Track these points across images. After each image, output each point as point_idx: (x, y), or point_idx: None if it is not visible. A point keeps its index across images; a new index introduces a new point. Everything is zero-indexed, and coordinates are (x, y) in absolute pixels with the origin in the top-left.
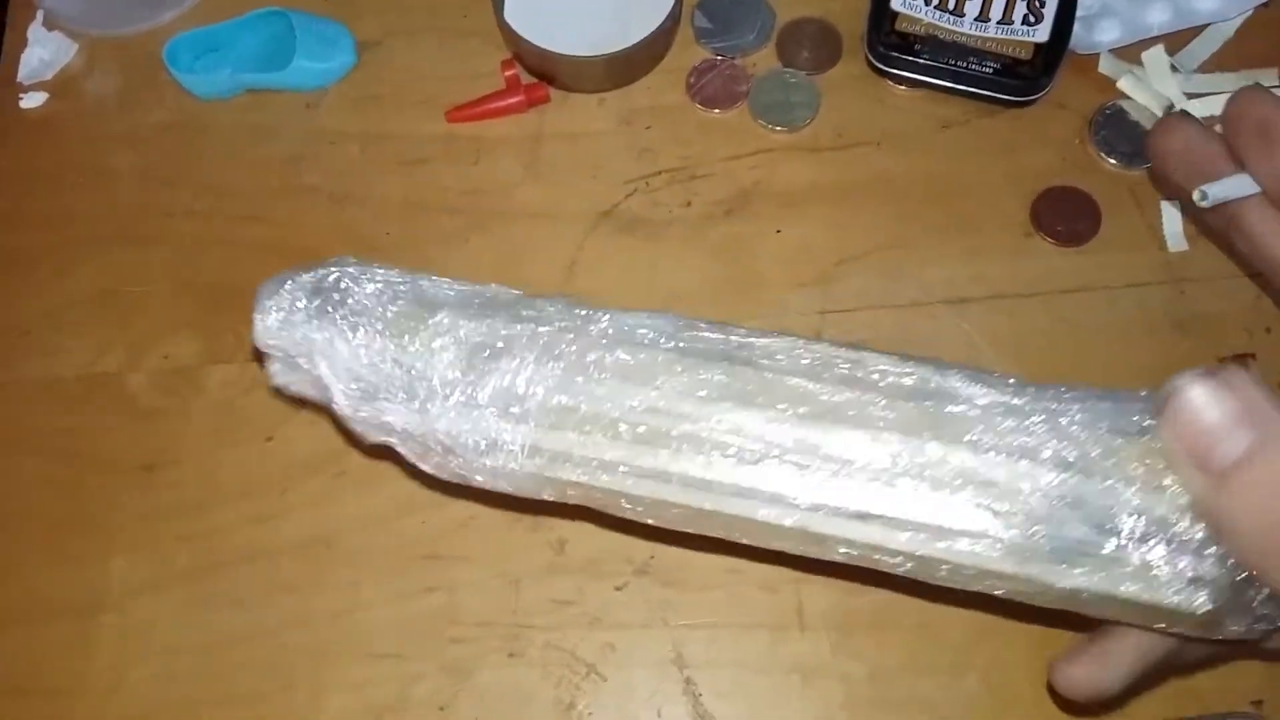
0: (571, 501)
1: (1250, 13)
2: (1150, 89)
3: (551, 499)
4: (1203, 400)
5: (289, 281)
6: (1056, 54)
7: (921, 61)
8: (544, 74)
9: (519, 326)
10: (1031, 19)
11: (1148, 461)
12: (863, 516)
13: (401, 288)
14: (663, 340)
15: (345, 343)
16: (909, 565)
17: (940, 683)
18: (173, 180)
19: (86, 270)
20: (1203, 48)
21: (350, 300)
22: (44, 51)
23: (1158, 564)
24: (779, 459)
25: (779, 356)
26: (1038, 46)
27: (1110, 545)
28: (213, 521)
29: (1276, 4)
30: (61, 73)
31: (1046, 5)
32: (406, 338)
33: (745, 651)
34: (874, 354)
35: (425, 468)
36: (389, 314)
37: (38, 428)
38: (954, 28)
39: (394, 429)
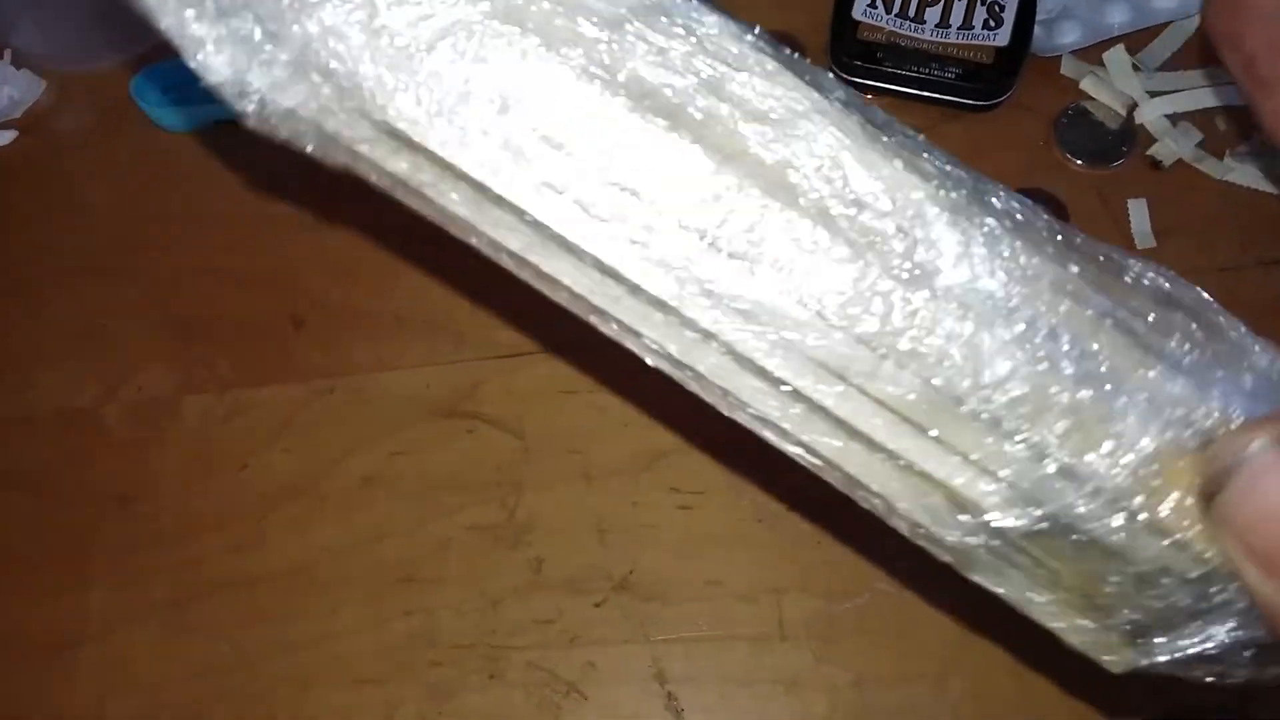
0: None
1: None
2: (1113, 89)
3: None
4: None
5: None
6: (1018, 57)
7: (885, 69)
8: None
9: None
10: (992, 23)
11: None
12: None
13: None
14: None
15: None
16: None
17: (925, 689)
18: (146, 213)
19: (60, 305)
20: (1164, 46)
21: None
22: (13, 90)
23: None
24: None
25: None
26: (999, 50)
27: None
28: (190, 552)
29: None
30: (31, 110)
31: (1006, 9)
32: None
33: (727, 664)
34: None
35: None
36: None
37: (12, 463)
38: (915, 35)
39: None
